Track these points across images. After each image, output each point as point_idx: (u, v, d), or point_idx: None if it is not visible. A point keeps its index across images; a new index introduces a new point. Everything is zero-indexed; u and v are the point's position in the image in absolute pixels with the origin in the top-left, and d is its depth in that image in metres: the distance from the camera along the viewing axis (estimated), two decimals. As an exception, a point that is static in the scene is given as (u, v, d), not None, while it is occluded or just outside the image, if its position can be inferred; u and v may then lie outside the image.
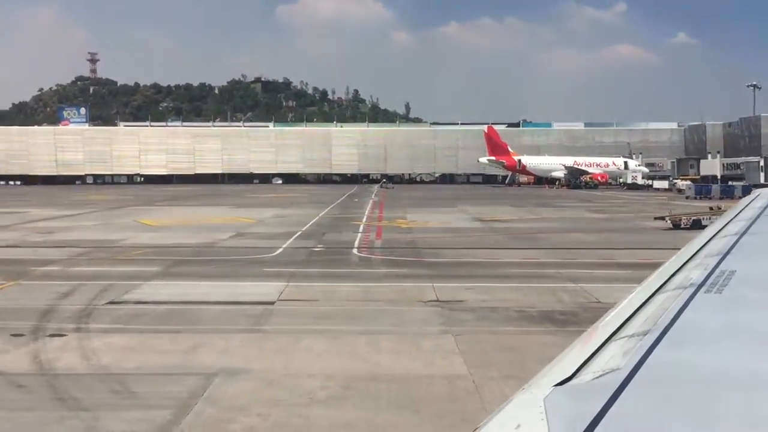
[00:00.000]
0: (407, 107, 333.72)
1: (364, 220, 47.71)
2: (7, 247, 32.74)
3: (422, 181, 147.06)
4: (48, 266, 25.99)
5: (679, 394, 2.35)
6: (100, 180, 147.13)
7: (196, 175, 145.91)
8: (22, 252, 30.96)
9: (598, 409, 2.22)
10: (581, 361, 2.81)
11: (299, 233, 38.32)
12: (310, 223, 45.07)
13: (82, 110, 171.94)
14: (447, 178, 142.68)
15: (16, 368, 12.42)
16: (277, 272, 24.44)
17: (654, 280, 4.06)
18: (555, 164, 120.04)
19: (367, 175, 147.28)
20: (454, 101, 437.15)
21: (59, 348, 13.83)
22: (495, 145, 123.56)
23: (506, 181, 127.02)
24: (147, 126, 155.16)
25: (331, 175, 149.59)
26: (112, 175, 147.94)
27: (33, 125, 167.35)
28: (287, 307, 18.04)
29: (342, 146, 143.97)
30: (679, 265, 4.29)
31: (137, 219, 49.21)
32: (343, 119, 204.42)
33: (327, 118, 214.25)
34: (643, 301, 3.51)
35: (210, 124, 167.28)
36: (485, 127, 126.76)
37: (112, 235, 37.63)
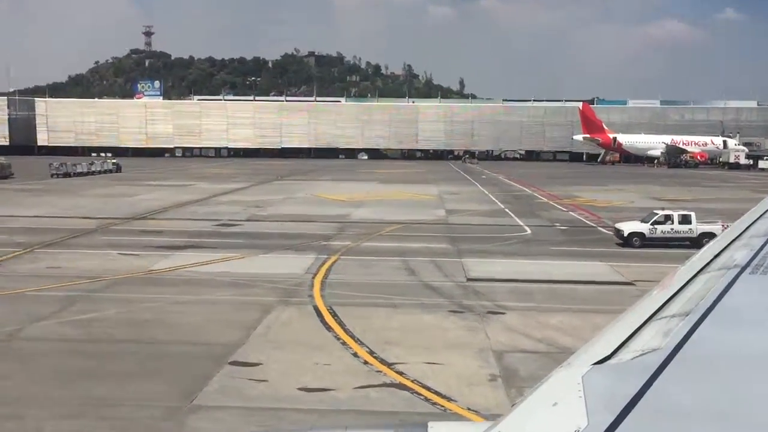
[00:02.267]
0: (461, 83, 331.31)
1: (545, 199, 50.58)
2: (270, 221, 36.05)
3: (506, 158, 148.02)
4: (370, 241, 29.04)
5: (721, 375, 2.26)
6: (188, 153, 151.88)
7: (283, 149, 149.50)
8: (310, 227, 33.90)
9: (637, 388, 2.17)
10: (620, 341, 2.76)
11: (510, 211, 41.71)
12: (499, 201, 48.34)
13: (156, 83, 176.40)
14: (533, 155, 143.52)
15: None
16: (584, 252, 27.46)
17: (697, 260, 3.89)
18: (652, 143, 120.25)
19: (451, 151, 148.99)
20: (507, 77, 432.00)
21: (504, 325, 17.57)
22: (590, 123, 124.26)
23: (598, 159, 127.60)
24: (234, 100, 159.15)
25: (415, 150, 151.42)
26: (200, 148, 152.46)
27: (91, 98, 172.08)
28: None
29: (428, 122, 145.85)
30: (724, 246, 4.11)
31: (314, 193, 52.76)
32: (399, 94, 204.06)
33: (384, 94, 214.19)
34: (686, 281, 3.41)
35: (297, 98, 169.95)
36: (580, 104, 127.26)
37: (327, 210, 41.77)
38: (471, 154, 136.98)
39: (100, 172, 77.40)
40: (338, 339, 16.73)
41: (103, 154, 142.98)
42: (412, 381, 13.42)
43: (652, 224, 30.31)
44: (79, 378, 13.84)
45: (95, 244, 29.72)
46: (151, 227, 34.99)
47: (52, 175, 69.15)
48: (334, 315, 18.80)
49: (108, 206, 44.15)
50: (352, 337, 16.88)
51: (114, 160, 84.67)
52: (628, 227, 30.76)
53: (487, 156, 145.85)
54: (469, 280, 23.55)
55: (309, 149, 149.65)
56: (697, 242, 28.03)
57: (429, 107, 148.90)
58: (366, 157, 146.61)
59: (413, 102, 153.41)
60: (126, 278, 23.18)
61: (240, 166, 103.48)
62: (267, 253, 27.96)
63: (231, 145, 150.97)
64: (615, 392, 2.24)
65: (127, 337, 16.75)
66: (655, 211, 31.91)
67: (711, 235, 28.67)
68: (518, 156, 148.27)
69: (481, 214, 42.55)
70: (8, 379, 13.71)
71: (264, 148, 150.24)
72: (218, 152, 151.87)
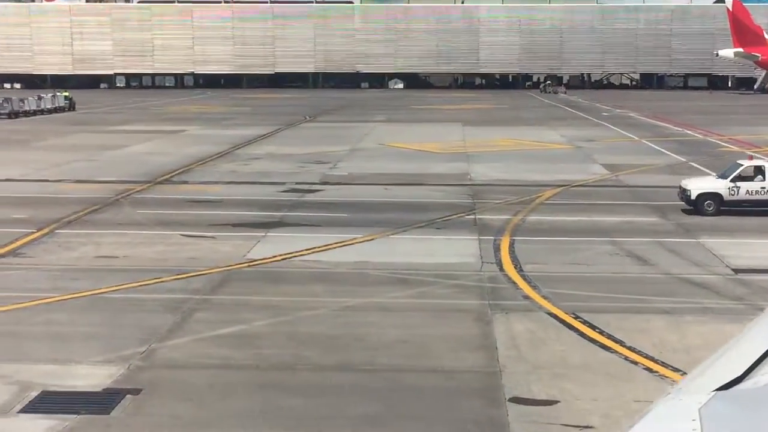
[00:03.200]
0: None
1: (729, 145, 51.24)
2: (361, 184, 37.73)
3: (611, 85, 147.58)
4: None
5: None
6: (135, 82, 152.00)
7: (277, 75, 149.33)
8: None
9: None
10: (749, 362, 2.80)
11: (699, 165, 42.27)
12: (669, 151, 48.98)
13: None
14: (653, 81, 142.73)
15: None
16: None
17: None
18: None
19: (528, 77, 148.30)
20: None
21: None
22: (744, 31, 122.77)
23: (755, 86, 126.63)
24: (203, 2, 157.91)
25: (473, 76, 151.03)
26: (154, 75, 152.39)
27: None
28: None
29: (494, 34, 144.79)
30: None
31: (383, 142, 56.34)
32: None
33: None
34: None
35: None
36: (728, 3, 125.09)
37: (428, 166, 44.84)
38: (557, 81, 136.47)
39: (50, 111, 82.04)
40: (631, 361, 16.84)
41: (8, 86, 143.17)
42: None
43: (732, 180, 30.88)
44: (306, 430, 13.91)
45: (134, 221, 30.52)
46: (195, 195, 36.08)
47: None
48: (591, 326, 18.90)
49: (103, 164, 46.02)
50: (649, 357, 16.95)
51: (66, 94, 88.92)
52: (696, 185, 31.40)
53: (582, 83, 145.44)
54: (736, 271, 23.62)
55: (315, 75, 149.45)
56: None
57: (495, 12, 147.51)
58: (401, 86, 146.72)
59: (470, 5, 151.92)
60: (228, 272, 23.52)
61: (226, 101, 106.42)
62: (399, 233, 28.82)
63: (199, 70, 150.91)
64: (744, 427, 2.26)
65: (325, 361, 16.83)
66: (739, 162, 32.30)
67: None
68: (631, 82, 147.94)
69: (658, 170, 42.96)
70: None
71: (248, 74, 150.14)
72: (180, 81, 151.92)
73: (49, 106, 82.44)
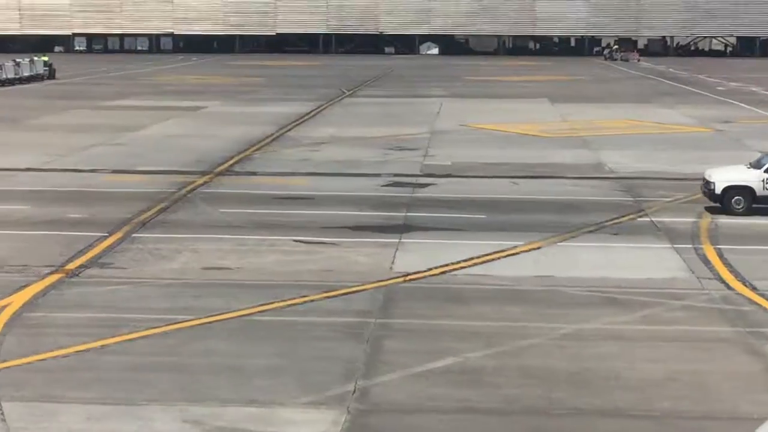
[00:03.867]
0: None
1: None
2: (477, 176, 37.62)
3: (700, 51, 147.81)
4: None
5: None
6: (98, 45, 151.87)
7: (278, 37, 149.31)
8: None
9: None
10: None
11: None
12: None
13: None
14: (753, 47, 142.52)
15: None
16: None
17: None
18: None
19: (597, 41, 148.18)
20: None
21: None
22: None
23: None
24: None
25: (526, 39, 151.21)
26: (122, 36, 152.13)
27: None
28: None
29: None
30: None
31: (464, 123, 57.45)
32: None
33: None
34: None
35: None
36: None
37: (544, 154, 45.75)
38: (629, 45, 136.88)
39: (28, 79, 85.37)
40: None
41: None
42: None
43: (767, 171, 31.14)
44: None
45: (223, 223, 30.78)
46: (277, 189, 36.47)
47: None
48: None
49: (133, 149, 46.87)
50: None
51: (45, 59, 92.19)
52: (722, 176, 31.66)
53: (665, 48, 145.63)
54: None
55: (327, 38, 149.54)
56: None
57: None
58: (436, 51, 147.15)
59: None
60: (387, 289, 23.44)
61: (224, 69, 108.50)
62: (567, 239, 29.03)
63: (180, 30, 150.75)
64: None
65: (584, 404, 16.68)
66: None
67: None
68: (726, 48, 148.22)
69: None
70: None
71: (243, 35, 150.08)
72: (156, 43, 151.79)
73: (27, 74, 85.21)
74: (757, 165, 31.70)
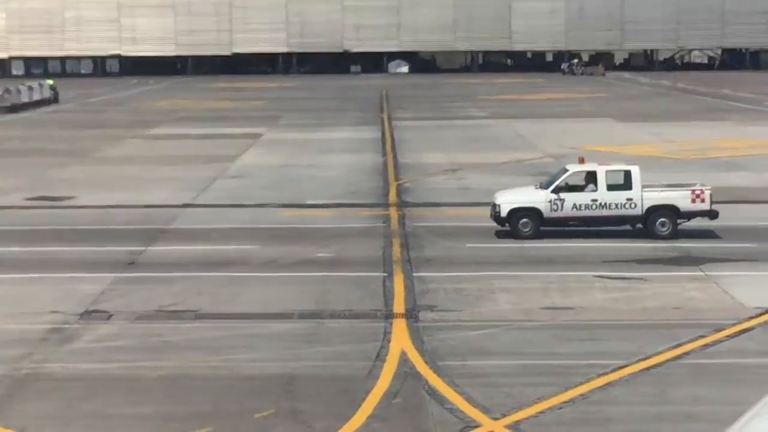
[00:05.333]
0: None
1: None
2: None
3: (686, 65, 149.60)
4: None
5: None
6: (37, 69, 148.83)
7: (234, 57, 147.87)
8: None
9: None
10: None
11: None
12: None
13: None
14: (743, 59, 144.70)
15: None
16: None
17: None
18: None
19: (573, 55, 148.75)
20: None
21: None
22: None
23: None
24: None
25: (503, 55, 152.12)
26: (64, 59, 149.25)
27: None
28: None
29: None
30: None
31: (571, 145, 55.91)
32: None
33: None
34: None
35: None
36: None
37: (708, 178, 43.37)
38: (581, 59, 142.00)
39: (38, 103, 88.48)
40: None
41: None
42: None
43: (554, 191, 32.01)
44: None
45: (485, 258, 30.27)
46: (480, 221, 35.11)
47: None
48: None
49: (257, 181, 46.50)
50: None
51: (51, 83, 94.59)
52: (508, 199, 32.58)
53: (649, 62, 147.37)
54: None
55: (287, 57, 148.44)
56: (644, 224, 31.73)
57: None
58: (406, 69, 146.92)
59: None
60: None
61: (206, 93, 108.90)
62: None
63: (129, 52, 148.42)
64: None
65: None
66: (566, 167, 33.66)
67: (667, 211, 31.51)
68: (710, 60, 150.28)
69: None
70: None
71: (196, 56, 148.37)
72: (101, 66, 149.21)
73: (37, 98, 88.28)
74: (545, 186, 32.29)
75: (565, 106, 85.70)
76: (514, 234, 31.62)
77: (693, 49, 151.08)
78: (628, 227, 32.10)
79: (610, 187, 31.60)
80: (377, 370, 19.94)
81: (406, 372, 19.81)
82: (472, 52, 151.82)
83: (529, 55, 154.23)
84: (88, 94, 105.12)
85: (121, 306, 24.83)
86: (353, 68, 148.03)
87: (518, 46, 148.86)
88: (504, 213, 31.72)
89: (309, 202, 40.24)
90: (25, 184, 44.83)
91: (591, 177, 32.05)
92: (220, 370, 20.17)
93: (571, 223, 32.08)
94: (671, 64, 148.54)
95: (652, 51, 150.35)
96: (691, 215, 31.85)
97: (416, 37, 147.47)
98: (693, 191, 31.75)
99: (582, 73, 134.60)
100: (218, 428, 17.07)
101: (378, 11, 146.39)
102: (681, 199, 31.58)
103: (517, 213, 31.66)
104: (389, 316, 24.07)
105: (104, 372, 20.11)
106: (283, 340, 22.20)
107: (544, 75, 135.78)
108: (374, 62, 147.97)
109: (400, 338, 22.07)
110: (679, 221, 31.69)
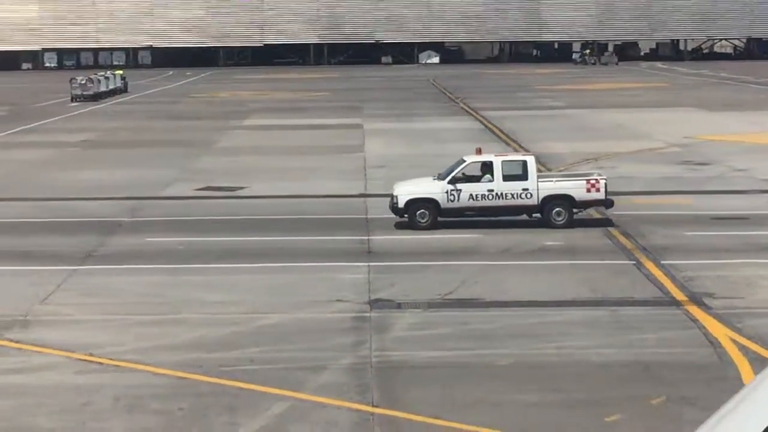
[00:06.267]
0: None
1: None
2: None
3: (714, 54, 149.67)
4: None
5: None
6: (70, 61, 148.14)
7: (266, 47, 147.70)
8: None
9: None
10: None
11: None
12: None
13: None
14: (765, 49, 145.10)
15: None
16: None
17: None
18: None
19: (605, 46, 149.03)
20: None
21: None
22: None
23: None
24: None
25: (528, 45, 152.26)
26: (96, 51, 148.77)
27: None
28: None
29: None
30: None
31: (691, 136, 56.13)
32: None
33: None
34: None
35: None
36: None
37: None
38: (593, 49, 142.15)
39: (112, 92, 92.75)
40: None
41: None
42: None
43: (451, 182, 32.01)
44: None
45: (729, 246, 29.85)
46: (677, 210, 35.46)
47: (73, 99, 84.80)
48: None
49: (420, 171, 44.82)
50: None
51: (121, 73, 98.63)
52: (405, 190, 32.50)
53: (676, 52, 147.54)
54: None
55: (318, 48, 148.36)
56: (540, 214, 31.79)
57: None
58: (436, 60, 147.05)
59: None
60: None
61: (253, 84, 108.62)
62: None
63: (161, 44, 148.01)
64: None
65: None
66: (463, 158, 33.56)
67: (562, 201, 31.57)
68: (735, 50, 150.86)
69: None
70: None
71: (227, 47, 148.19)
72: (133, 58, 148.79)
73: (112, 87, 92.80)
74: (443, 177, 32.33)
75: (632, 96, 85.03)
76: (411, 225, 31.57)
77: (722, 39, 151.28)
78: (525, 217, 32.22)
79: (506, 178, 31.60)
80: (725, 356, 19.80)
81: (756, 358, 19.60)
82: (500, 43, 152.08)
83: (555, 45, 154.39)
84: (139, 86, 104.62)
85: (398, 295, 24.73)
86: (384, 59, 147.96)
87: (547, 37, 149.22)
88: (401, 204, 31.60)
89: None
90: (180, 175, 44.48)
91: (487, 167, 32.12)
92: (561, 357, 20.07)
93: (467, 213, 32.17)
94: (699, 54, 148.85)
95: (678, 41, 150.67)
96: (586, 205, 32.04)
97: (447, 29, 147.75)
98: (588, 181, 31.86)
99: (594, 63, 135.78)
100: (624, 416, 17.08)
101: (409, 2, 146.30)
102: (576, 188, 31.64)
103: (414, 204, 31.61)
104: (675, 303, 23.88)
105: (451, 360, 20.03)
106: (593, 327, 22.07)
107: (565, 65, 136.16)
108: (405, 53, 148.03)
109: (712, 324, 21.83)
110: (575, 211, 31.72)
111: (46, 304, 24.24)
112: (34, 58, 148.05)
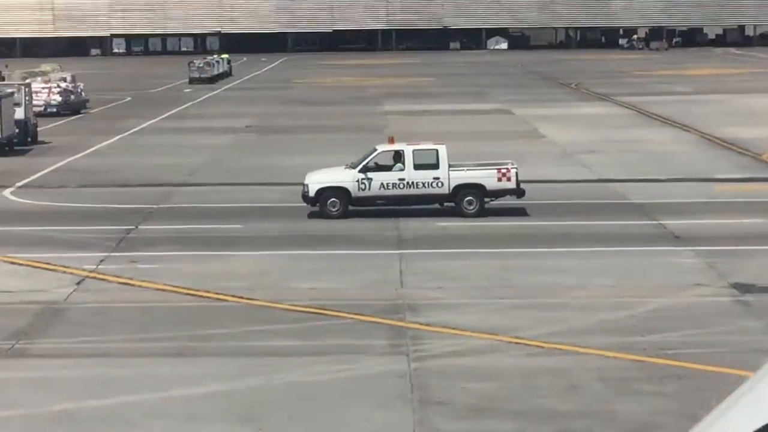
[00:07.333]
0: None
1: None
2: None
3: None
4: None
5: None
6: (138, 46, 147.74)
7: (334, 33, 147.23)
8: None
9: None
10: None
11: None
12: None
13: None
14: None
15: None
16: None
17: None
18: None
19: (632, 31, 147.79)
20: None
21: None
22: None
23: None
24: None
25: (595, 31, 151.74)
26: (164, 37, 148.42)
27: None
28: None
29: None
30: None
31: None
32: None
33: None
34: None
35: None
36: None
37: None
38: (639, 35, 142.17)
39: (221, 76, 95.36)
40: None
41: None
42: None
43: (362, 170, 31.97)
44: None
45: None
46: None
47: (191, 81, 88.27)
48: None
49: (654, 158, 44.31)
50: None
51: (226, 56, 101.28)
52: (316, 179, 32.40)
53: (744, 37, 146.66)
54: None
55: (387, 34, 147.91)
56: (453, 202, 31.69)
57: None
58: (504, 46, 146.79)
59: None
60: None
61: (343, 69, 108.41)
62: None
63: (230, 29, 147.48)
64: None
65: None
66: (375, 147, 33.53)
67: (473, 190, 31.51)
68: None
69: None
70: None
71: (296, 33, 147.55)
72: (202, 43, 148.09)
73: (221, 71, 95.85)
74: (354, 165, 32.25)
75: (745, 81, 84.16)
76: (322, 214, 31.42)
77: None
78: (437, 206, 32.03)
79: (418, 167, 31.53)
80: None
81: None
82: (566, 29, 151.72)
83: (621, 32, 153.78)
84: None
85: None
86: (452, 45, 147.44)
87: (618, 23, 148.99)
88: (312, 192, 31.44)
89: (718, 176, 39.06)
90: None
91: (399, 156, 32.06)
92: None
93: (379, 202, 32.08)
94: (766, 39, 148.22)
95: (744, 26, 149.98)
96: (497, 194, 31.90)
97: (516, 15, 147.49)
98: (499, 170, 31.73)
99: (641, 48, 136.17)
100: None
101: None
102: (487, 177, 31.56)
103: (325, 192, 31.46)
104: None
105: None
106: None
107: (617, 52, 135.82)
108: (474, 39, 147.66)
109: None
110: (486, 200, 31.59)
111: (405, 288, 23.91)
112: (102, 44, 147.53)
